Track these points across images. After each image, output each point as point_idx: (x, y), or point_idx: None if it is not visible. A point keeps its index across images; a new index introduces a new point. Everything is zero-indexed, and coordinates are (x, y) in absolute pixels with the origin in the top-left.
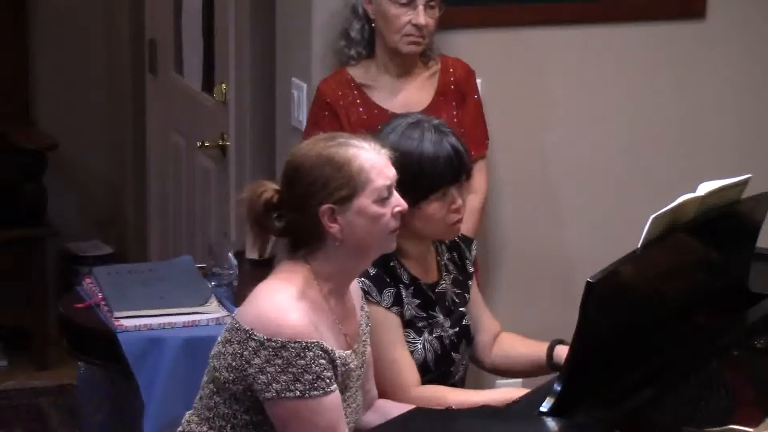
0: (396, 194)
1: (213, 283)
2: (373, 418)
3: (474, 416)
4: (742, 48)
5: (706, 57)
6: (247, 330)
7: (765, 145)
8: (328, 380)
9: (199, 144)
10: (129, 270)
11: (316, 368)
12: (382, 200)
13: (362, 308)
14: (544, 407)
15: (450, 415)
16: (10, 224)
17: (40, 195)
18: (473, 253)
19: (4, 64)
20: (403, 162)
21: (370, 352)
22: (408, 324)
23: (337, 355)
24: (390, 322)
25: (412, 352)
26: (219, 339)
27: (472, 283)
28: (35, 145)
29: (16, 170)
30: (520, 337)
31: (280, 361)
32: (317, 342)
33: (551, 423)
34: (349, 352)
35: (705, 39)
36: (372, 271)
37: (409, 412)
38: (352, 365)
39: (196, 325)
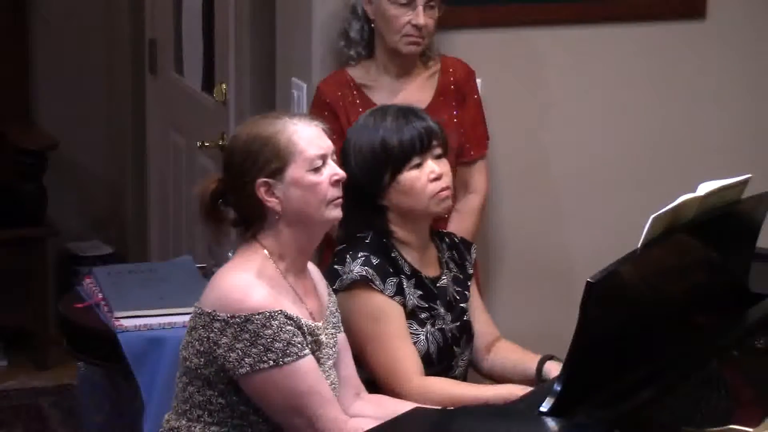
0: (333, 164)
1: None
2: (371, 413)
3: (474, 416)
4: (742, 48)
5: (706, 57)
6: (210, 312)
7: (765, 145)
8: (299, 345)
9: (199, 144)
10: (129, 270)
11: (285, 335)
12: (317, 169)
13: (329, 294)
14: (544, 407)
15: (449, 414)
16: (10, 224)
17: (40, 195)
18: (473, 256)
19: (4, 64)
20: (369, 144)
21: (343, 337)
22: (410, 315)
23: (303, 322)
24: (392, 311)
25: (414, 344)
26: (185, 331)
27: (472, 285)
28: (35, 145)
29: (16, 170)
30: (517, 346)
31: (247, 335)
32: (280, 310)
33: (551, 423)
34: (320, 323)
35: (705, 39)
36: (375, 261)
37: (410, 411)
38: (322, 338)
39: None
